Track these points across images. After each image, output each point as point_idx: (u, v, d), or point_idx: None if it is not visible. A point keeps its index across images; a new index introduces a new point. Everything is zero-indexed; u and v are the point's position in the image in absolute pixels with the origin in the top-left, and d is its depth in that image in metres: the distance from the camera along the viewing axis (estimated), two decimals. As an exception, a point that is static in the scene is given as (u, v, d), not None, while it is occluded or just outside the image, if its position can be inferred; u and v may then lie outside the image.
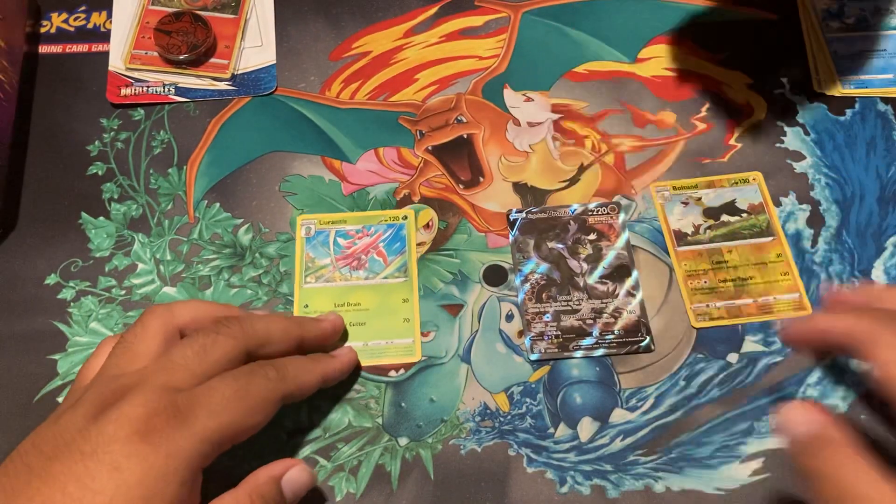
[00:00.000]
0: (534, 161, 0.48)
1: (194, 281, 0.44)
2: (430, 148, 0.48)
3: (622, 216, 0.45)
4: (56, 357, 0.42)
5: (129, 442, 0.29)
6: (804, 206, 0.46)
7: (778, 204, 0.46)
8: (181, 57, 0.50)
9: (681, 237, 0.45)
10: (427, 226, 0.46)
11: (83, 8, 0.54)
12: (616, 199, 0.46)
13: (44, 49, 0.52)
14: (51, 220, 0.46)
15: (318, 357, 0.39)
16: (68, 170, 0.48)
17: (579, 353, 0.42)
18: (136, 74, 0.50)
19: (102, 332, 0.43)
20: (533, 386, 0.41)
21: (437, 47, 0.52)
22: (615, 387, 0.41)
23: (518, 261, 0.44)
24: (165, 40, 0.50)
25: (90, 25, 0.53)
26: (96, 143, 0.49)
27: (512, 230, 0.45)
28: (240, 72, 0.51)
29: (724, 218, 0.45)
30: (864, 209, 0.45)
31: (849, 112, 0.49)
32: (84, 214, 0.46)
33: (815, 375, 0.41)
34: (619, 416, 0.40)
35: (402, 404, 0.41)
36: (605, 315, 0.42)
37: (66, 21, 0.53)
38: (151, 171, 0.48)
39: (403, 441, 0.40)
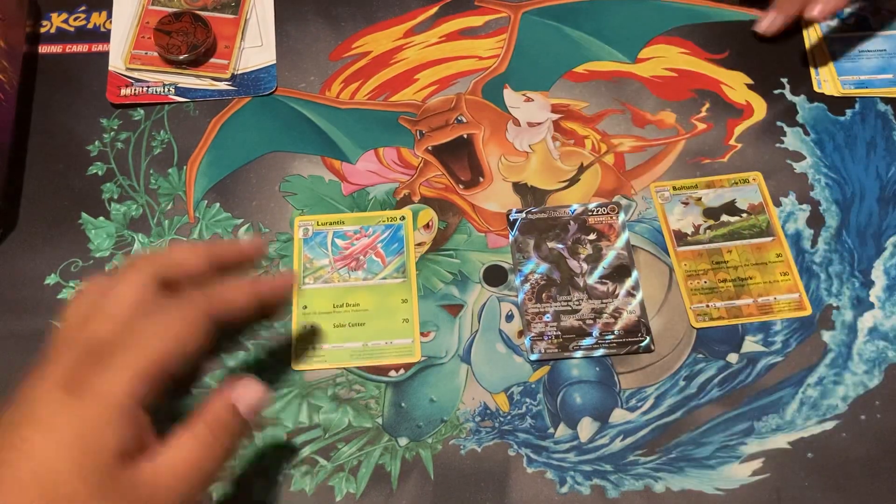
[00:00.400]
0: (534, 161, 0.48)
1: (194, 281, 0.44)
2: (430, 148, 0.48)
3: (622, 216, 0.45)
4: (56, 357, 0.42)
5: (54, 401, 0.29)
6: (804, 207, 0.46)
7: (778, 204, 0.46)
8: (181, 57, 0.50)
9: (681, 237, 0.45)
10: (427, 226, 0.46)
11: (83, 8, 0.54)
12: (616, 199, 0.46)
13: (44, 49, 0.52)
14: (51, 220, 0.46)
15: (250, 277, 0.37)
16: (68, 170, 0.48)
17: (579, 354, 0.41)
18: (136, 74, 0.50)
19: (102, 332, 0.43)
20: (533, 386, 0.41)
21: (437, 47, 0.52)
22: (615, 387, 0.41)
23: (518, 261, 0.44)
24: (165, 40, 0.50)
25: (90, 25, 0.53)
26: (96, 143, 0.49)
27: (512, 230, 0.45)
28: (240, 72, 0.51)
29: (724, 218, 0.45)
30: (863, 209, 0.45)
31: (849, 112, 0.49)
32: (84, 214, 0.46)
33: (815, 375, 0.41)
34: (619, 416, 0.40)
35: (402, 404, 0.41)
36: (605, 315, 0.42)
37: (66, 21, 0.53)
38: (151, 171, 0.48)
39: (403, 441, 0.40)
